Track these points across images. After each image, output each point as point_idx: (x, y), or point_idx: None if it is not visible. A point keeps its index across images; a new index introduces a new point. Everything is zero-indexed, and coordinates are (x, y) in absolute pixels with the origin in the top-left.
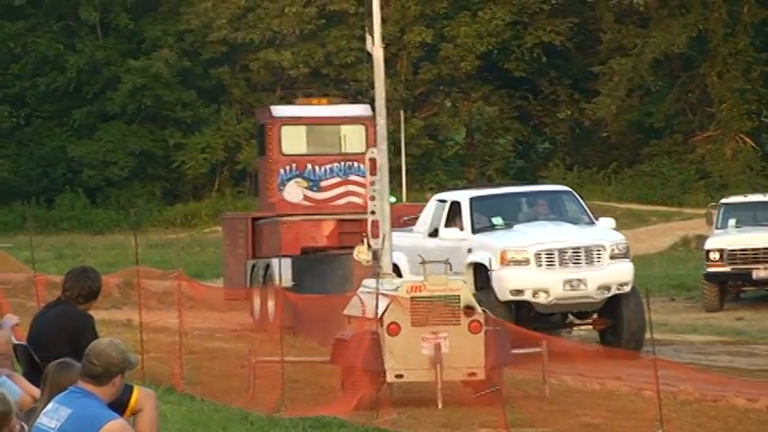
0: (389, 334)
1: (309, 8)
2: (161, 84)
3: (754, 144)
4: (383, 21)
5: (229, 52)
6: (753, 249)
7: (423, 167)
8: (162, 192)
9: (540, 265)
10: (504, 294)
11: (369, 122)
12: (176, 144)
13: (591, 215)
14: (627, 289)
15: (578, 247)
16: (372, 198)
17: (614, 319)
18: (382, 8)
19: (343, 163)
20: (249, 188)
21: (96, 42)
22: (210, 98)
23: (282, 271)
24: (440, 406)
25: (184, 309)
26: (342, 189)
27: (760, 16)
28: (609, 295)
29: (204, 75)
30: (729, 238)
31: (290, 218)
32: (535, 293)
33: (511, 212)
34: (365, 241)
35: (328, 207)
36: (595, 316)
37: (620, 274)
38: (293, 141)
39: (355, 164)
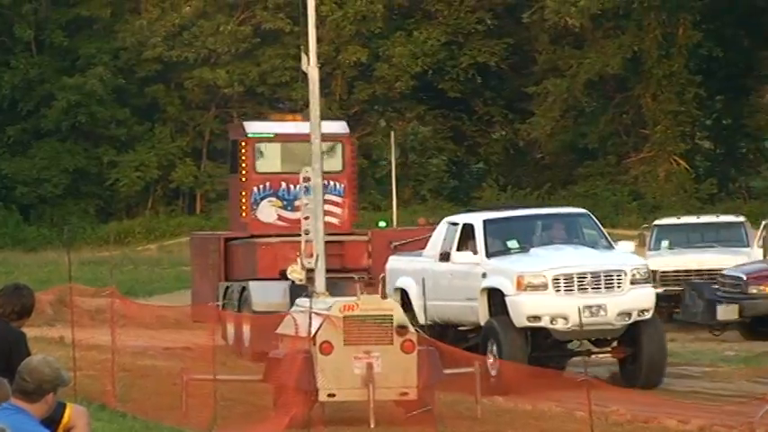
0: (322, 353)
1: (244, 27)
2: (95, 101)
3: (687, 166)
4: (318, 40)
5: (164, 70)
6: (685, 271)
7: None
8: (95, 209)
9: (559, 291)
10: (520, 320)
11: (346, 140)
12: (110, 162)
13: (609, 239)
14: (648, 315)
15: (598, 272)
16: (306, 218)
17: (634, 348)
18: (317, 27)
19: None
20: (182, 206)
21: (31, 59)
22: (145, 116)
23: (260, 294)
24: (372, 425)
25: (117, 326)
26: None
27: (694, 39)
28: (629, 322)
29: (138, 92)
30: (662, 260)
31: (268, 239)
32: (553, 320)
33: (526, 236)
34: (299, 260)
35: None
36: (615, 344)
37: (641, 300)
38: (267, 159)
39: (331, 182)
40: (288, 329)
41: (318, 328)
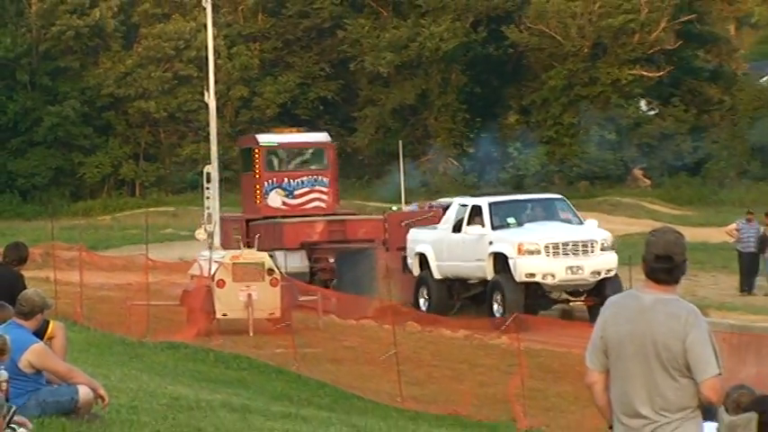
0: (218, 287)
1: (167, 73)
2: (69, 122)
3: (458, 164)
4: (215, 82)
5: (115, 102)
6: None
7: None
8: (70, 193)
9: (549, 255)
10: (520, 277)
11: (329, 146)
12: (79, 162)
13: (580, 217)
14: (612, 274)
15: (577, 241)
16: (208, 198)
17: (600, 298)
18: (215, 73)
19: (310, 176)
20: (126, 191)
21: (26, 95)
22: (102, 132)
23: (283, 261)
24: (251, 334)
25: (84, 270)
26: (310, 196)
27: (462, 81)
28: (599, 278)
29: (98, 116)
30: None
31: (290, 219)
32: (544, 276)
33: (520, 214)
34: (203, 225)
35: (300, 210)
36: (585, 295)
37: (608, 262)
38: (274, 161)
39: (319, 177)
40: (196, 271)
41: (216, 270)
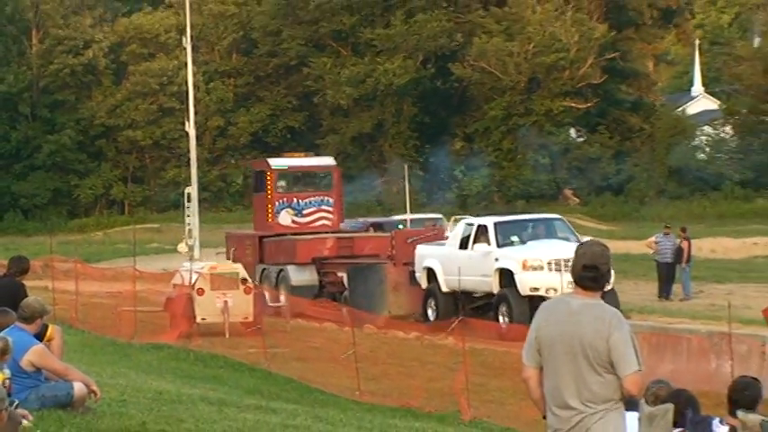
0: (198, 294)
1: (153, 105)
2: (66, 149)
3: (409, 184)
4: (195, 113)
5: (106, 131)
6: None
7: (217, 200)
8: (66, 212)
9: (551, 270)
10: (524, 291)
11: (334, 169)
12: (75, 184)
13: (577, 235)
14: (609, 287)
15: None
16: (188, 216)
17: None
18: (195, 106)
19: (317, 197)
20: (116, 210)
21: (28, 125)
22: (95, 158)
23: (295, 275)
24: (227, 336)
25: (79, 280)
26: (317, 215)
27: (413, 111)
28: None
29: (91, 144)
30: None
31: (302, 236)
32: (547, 290)
33: (522, 233)
34: (184, 240)
35: (308, 227)
36: None
37: None
38: (285, 183)
39: (325, 198)
40: (178, 281)
41: (196, 280)
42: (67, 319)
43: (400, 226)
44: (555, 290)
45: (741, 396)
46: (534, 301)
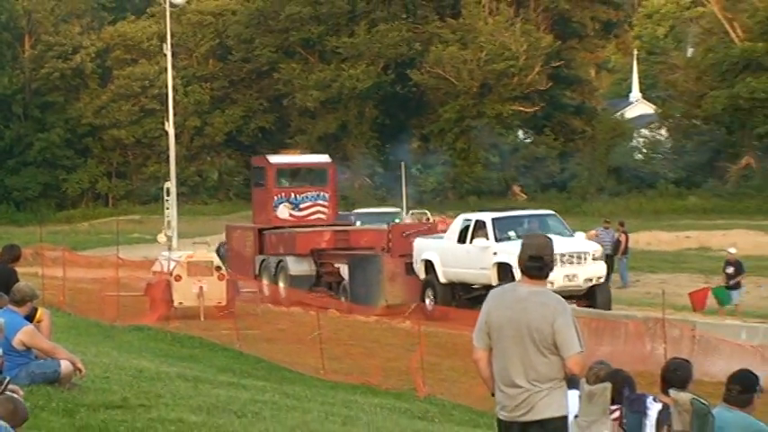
0: (176, 281)
1: (135, 107)
2: (55, 146)
3: (371, 181)
4: (174, 114)
5: (92, 130)
6: None
7: (194, 194)
8: (55, 204)
9: None
10: None
11: (330, 166)
12: (63, 179)
13: (570, 230)
14: (602, 281)
15: (573, 253)
16: (167, 208)
17: (591, 301)
18: (174, 107)
19: (314, 192)
20: (101, 203)
21: (20, 124)
22: (82, 155)
23: (294, 265)
24: (202, 319)
25: (66, 267)
26: (313, 209)
27: (374, 114)
28: (591, 285)
29: (78, 142)
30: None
31: (301, 229)
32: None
33: (518, 228)
34: (164, 231)
35: (305, 221)
36: (577, 300)
37: (598, 271)
38: (283, 179)
39: (321, 193)
40: (158, 268)
41: (174, 267)
42: (55, 302)
43: (396, 220)
44: (551, 283)
45: (673, 376)
46: None
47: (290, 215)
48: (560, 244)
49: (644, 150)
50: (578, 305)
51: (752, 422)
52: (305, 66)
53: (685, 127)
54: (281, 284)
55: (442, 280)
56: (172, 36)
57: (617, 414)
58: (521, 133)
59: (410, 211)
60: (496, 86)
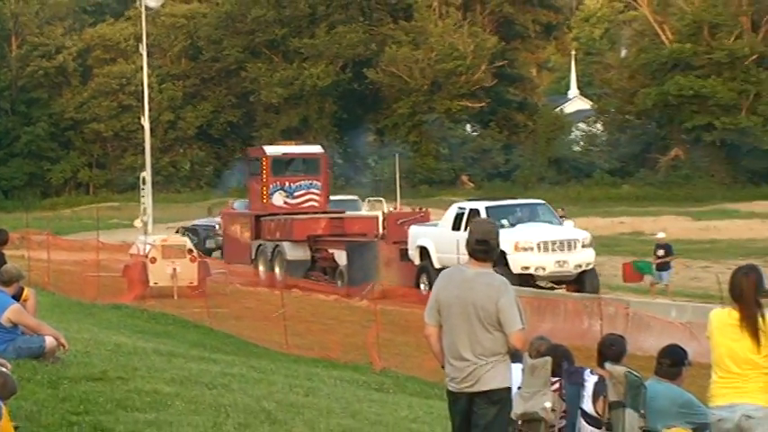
0: (151, 263)
1: (114, 102)
2: (40, 139)
3: (330, 172)
4: (149, 109)
5: (74, 123)
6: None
7: (168, 183)
8: (40, 192)
9: (540, 251)
10: (516, 269)
11: (322, 156)
12: (48, 169)
13: (559, 219)
14: (591, 267)
15: (563, 240)
16: (143, 196)
17: (580, 286)
18: (149, 103)
19: (307, 181)
20: (83, 191)
21: (7, 118)
22: (65, 147)
23: (290, 250)
24: (175, 298)
25: (51, 250)
26: (306, 197)
27: (334, 109)
28: (580, 270)
29: (61, 135)
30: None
31: (298, 216)
32: (536, 269)
33: (510, 216)
34: (140, 217)
35: (298, 208)
36: (567, 284)
37: (588, 257)
38: (278, 168)
39: (314, 182)
40: (135, 251)
41: (150, 250)
42: (41, 283)
43: (392, 208)
44: (543, 268)
45: (609, 350)
46: (523, 279)
47: (285, 203)
48: (552, 231)
49: (581, 143)
50: (567, 290)
51: (680, 393)
52: (269, 65)
53: (619, 121)
54: (277, 269)
55: (437, 265)
56: (147, 37)
57: (557, 386)
58: (468, 127)
59: (367, 199)
60: (446, 84)
